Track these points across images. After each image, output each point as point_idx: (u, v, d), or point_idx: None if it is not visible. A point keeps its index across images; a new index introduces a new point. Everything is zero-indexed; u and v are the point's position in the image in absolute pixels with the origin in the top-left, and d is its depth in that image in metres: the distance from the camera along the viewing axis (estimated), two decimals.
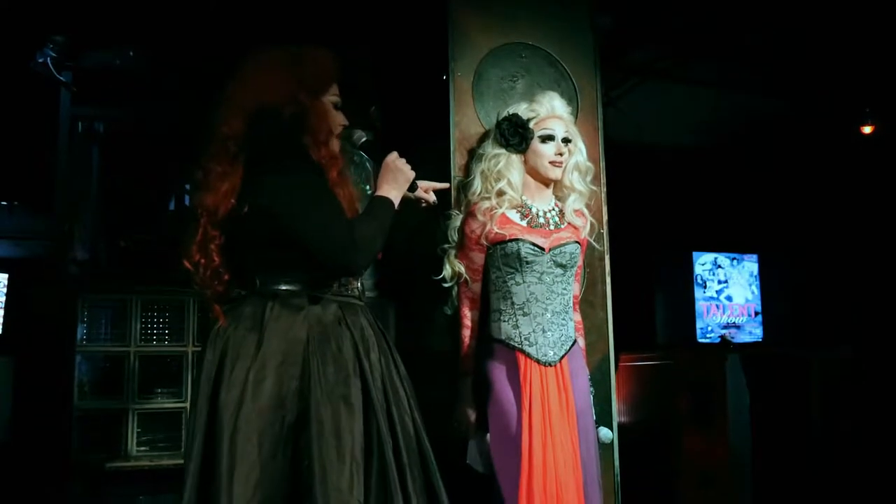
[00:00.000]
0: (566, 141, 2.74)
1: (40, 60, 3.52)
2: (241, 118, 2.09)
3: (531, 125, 2.74)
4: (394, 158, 2.27)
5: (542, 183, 2.77)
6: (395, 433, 2.04)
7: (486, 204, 2.72)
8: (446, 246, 2.82)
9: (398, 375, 2.18)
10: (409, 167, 2.26)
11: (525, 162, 2.76)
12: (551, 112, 2.74)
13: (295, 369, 1.99)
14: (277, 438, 1.94)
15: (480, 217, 2.71)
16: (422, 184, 2.42)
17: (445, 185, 2.61)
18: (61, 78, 3.67)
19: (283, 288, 2.06)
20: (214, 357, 2.02)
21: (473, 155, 2.93)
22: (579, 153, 2.78)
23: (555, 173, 2.73)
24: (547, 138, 2.72)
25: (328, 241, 2.00)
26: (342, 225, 2.02)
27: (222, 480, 1.87)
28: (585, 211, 2.85)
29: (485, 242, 2.71)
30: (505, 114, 2.80)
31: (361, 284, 2.24)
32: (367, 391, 2.04)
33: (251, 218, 2.02)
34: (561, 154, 2.72)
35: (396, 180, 2.25)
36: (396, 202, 2.22)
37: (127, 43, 3.86)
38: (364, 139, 2.34)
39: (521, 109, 2.79)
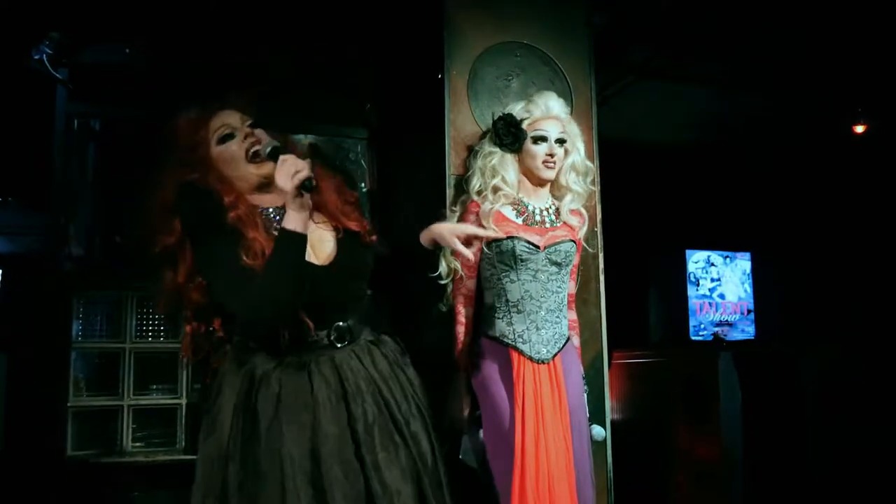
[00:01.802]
0: (560, 142, 2.75)
1: (36, 57, 3.52)
2: (170, 193, 2.14)
3: (525, 125, 2.76)
4: (276, 175, 2.01)
5: (538, 183, 2.79)
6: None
7: (485, 204, 2.74)
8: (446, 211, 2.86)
9: (390, 421, 2.12)
10: (286, 174, 1.97)
11: (520, 161, 2.78)
12: (546, 113, 2.76)
13: (218, 434, 2.05)
14: None
15: (476, 215, 2.74)
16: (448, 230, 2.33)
17: (488, 234, 2.53)
18: (57, 75, 3.66)
19: (236, 342, 2.15)
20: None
21: (471, 152, 2.95)
22: (577, 153, 2.79)
23: (547, 174, 2.75)
24: (539, 139, 2.74)
25: (236, 307, 2.04)
26: (240, 302, 2.02)
27: None
28: (583, 211, 2.87)
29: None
30: (500, 113, 2.83)
31: (338, 331, 2.15)
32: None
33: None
34: (552, 155, 2.73)
35: (286, 200, 2.00)
36: (297, 226, 1.98)
37: (124, 40, 3.86)
38: (270, 147, 2.11)
39: (517, 110, 2.81)
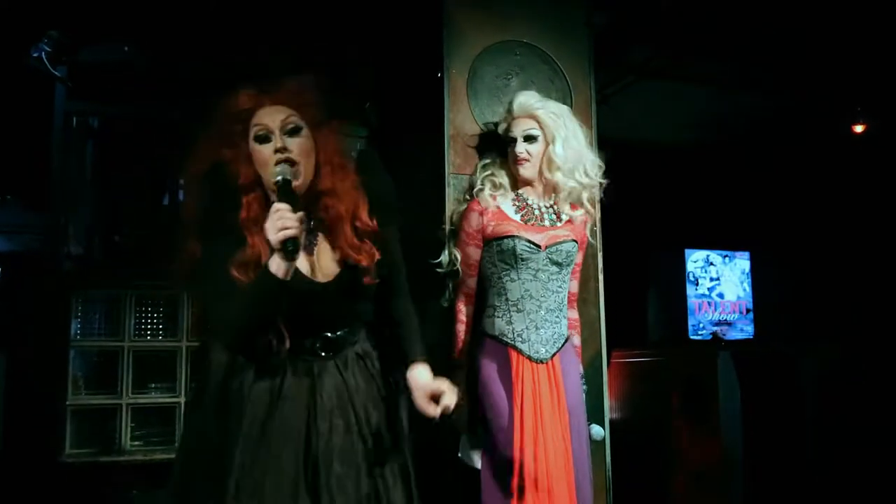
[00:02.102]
0: (529, 139, 2.74)
1: (35, 55, 3.52)
2: (202, 164, 2.10)
3: (503, 129, 2.81)
4: (271, 212, 1.92)
5: (524, 182, 2.79)
6: None
7: (486, 201, 2.75)
8: (447, 228, 2.86)
9: (350, 447, 2.07)
10: (273, 228, 1.88)
11: (509, 164, 2.81)
12: (516, 112, 2.79)
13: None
14: None
15: (478, 213, 2.74)
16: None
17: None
18: (56, 73, 3.66)
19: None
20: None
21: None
22: (556, 148, 2.73)
23: (523, 172, 2.75)
24: (511, 140, 2.76)
25: (209, 320, 2.09)
26: (214, 310, 2.06)
27: None
28: (586, 204, 2.85)
29: (481, 238, 2.73)
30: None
31: (323, 341, 2.11)
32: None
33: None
34: (518, 154, 2.74)
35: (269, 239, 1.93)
36: (279, 271, 1.90)
37: (122, 38, 3.85)
38: (276, 180, 1.98)
39: (501, 115, 2.88)
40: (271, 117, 2.05)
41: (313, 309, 2.06)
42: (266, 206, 1.98)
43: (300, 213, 1.92)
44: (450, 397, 2.06)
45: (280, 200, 1.92)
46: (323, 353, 2.09)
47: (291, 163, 2.02)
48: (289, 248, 1.87)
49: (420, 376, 2.12)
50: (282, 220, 1.87)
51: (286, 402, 2.02)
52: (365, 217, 2.13)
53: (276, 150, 2.02)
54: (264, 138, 2.04)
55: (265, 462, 1.96)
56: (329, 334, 2.10)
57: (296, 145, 2.05)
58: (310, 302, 2.04)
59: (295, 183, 2.02)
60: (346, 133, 2.27)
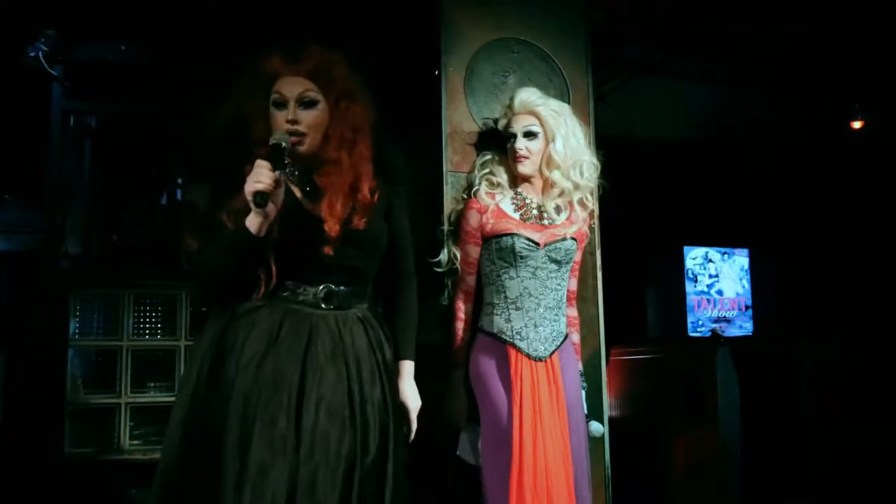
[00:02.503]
0: (529, 135, 2.74)
1: (32, 54, 3.52)
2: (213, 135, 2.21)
3: (503, 125, 2.80)
4: (252, 168, 2.05)
5: (522, 179, 2.79)
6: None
7: (485, 198, 2.75)
8: (445, 229, 2.86)
9: (346, 401, 2.10)
10: (249, 181, 2.01)
11: (507, 160, 2.80)
12: (516, 108, 2.78)
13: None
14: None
15: (477, 211, 2.74)
16: None
17: None
18: (53, 72, 3.66)
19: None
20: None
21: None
22: (556, 146, 2.73)
23: (522, 169, 2.74)
24: (510, 136, 2.75)
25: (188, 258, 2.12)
26: (194, 257, 2.11)
27: None
28: (578, 208, 2.84)
29: (480, 236, 2.73)
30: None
31: (325, 291, 2.16)
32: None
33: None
34: (517, 150, 2.73)
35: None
36: (251, 226, 2.03)
37: (119, 37, 3.85)
38: (273, 142, 2.06)
39: (501, 110, 2.86)
40: (290, 88, 2.17)
41: (318, 252, 2.13)
42: None
43: (277, 173, 2.02)
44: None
45: (267, 159, 2.02)
46: (323, 305, 2.15)
47: (298, 134, 2.15)
48: (257, 201, 1.99)
49: (410, 392, 2.33)
50: (257, 174, 1.99)
51: (281, 349, 2.07)
52: (366, 191, 2.22)
53: (288, 121, 2.15)
54: (281, 105, 2.17)
55: (255, 411, 1.99)
56: (332, 286, 2.16)
57: (308, 118, 2.17)
58: (314, 242, 2.12)
59: (300, 148, 2.15)
60: (372, 110, 2.32)
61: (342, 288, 2.18)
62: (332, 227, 2.12)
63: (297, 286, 2.14)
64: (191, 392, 2.07)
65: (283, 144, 2.05)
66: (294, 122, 2.15)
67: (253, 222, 2.03)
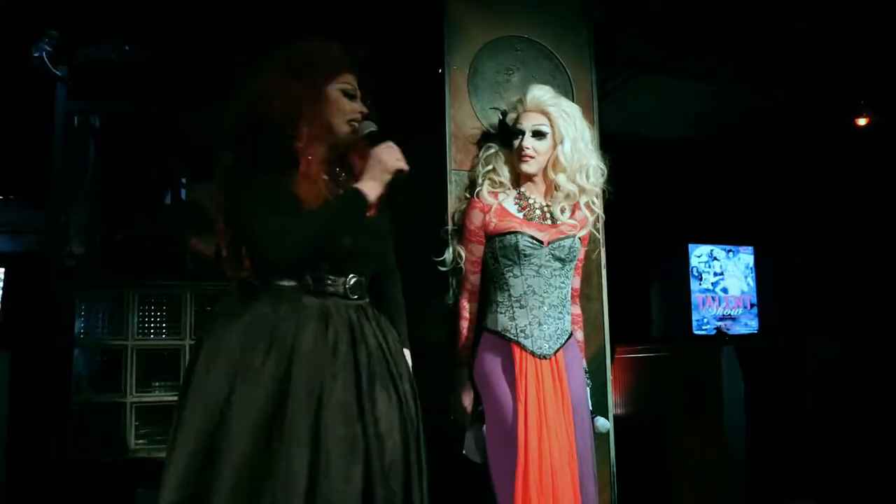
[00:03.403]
0: (537, 134, 2.72)
1: (36, 55, 3.52)
2: (234, 117, 2.17)
3: (512, 120, 2.78)
4: (381, 149, 2.23)
5: (525, 178, 2.78)
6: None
7: (487, 198, 2.75)
8: (449, 228, 2.86)
9: (388, 375, 2.17)
10: (393, 157, 2.21)
11: (512, 156, 2.79)
12: (527, 105, 2.75)
13: (211, 370, 2.06)
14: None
15: (480, 210, 2.74)
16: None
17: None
18: (57, 72, 3.67)
19: (241, 281, 2.16)
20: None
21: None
22: (564, 148, 2.72)
23: (525, 168, 2.73)
24: (518, 133, 2.73)
25: (258, 236, 2.06)
26: (273, 222, 2.04)
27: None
28: (585, 211, 2.83)
29: (484, 235, 2.73)
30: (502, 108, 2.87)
31: (356, 282, 2.20)
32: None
33: (232, 215, 2.14)
34: (524, 149, 2.71)
35: (374, 170, 2.20)
36: (371, 192, 2.17)
37: (123, 37, 3.85)
38: (370, 130, 2.28)
39: (510, 104, 2.83)
40: (355, 83, 2.30)
41: (356, 244, 2.20)
42: (325, 144, 2.20)
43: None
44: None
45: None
46: (351, 296, 2.19)
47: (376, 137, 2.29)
48: (402, 177, 2.22)
49: None
50: (398, 153, 2.22)
51: (329, 347, 2.09)
52: None
53: (362, 112, 2.28)
54: (352, 96, 2.28)
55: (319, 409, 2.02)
56: (358, 276, 2.22)
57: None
58: (354, 231, 2.19)
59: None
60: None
61: (363, 278, 2.24)
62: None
63: (329, 276, 2.17)
64: (259, 378, 2.03)
65: (378, 132, 2.27)
66: (364, 114, 2.29)
67: (374, 190, 2.17)
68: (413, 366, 2.38)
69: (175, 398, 3.67)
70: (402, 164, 2.21)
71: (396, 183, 2.21)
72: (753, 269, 6.42)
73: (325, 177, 2.18)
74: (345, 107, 2.26)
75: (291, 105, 2.16)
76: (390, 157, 2.20)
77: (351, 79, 2.28)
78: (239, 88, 2.20)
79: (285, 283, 2.13)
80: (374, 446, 2.04)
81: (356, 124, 2.27)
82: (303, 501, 1.93)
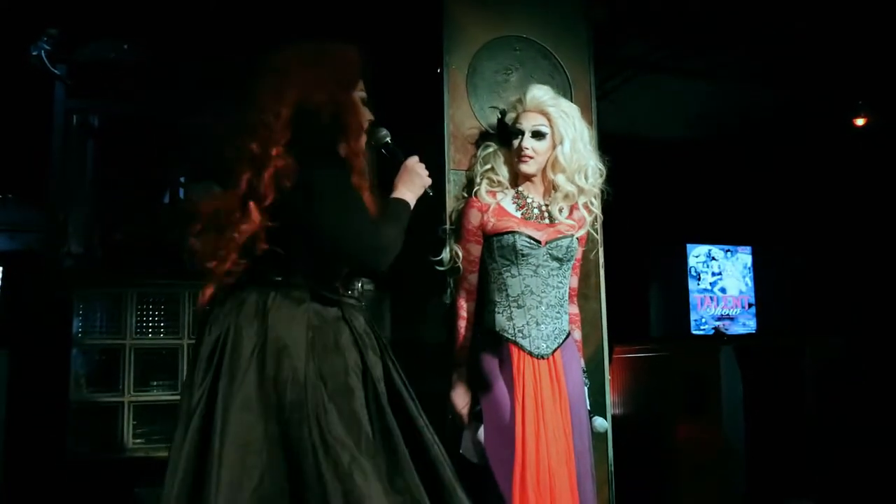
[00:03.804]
0: (537, 135, 2.72)
1: (35, 53, 3.51)
2: (286, 108, 2.07)
3: (511, 119, 2.78)
4: (414, 162, 2.28)
5: (524, 178, 2.78)
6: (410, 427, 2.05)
7: (485, 197, 2.75)
8: (447, 228, 2.85)
9: (399, 378, 2.15)
10: (426, 172, 2.28)
11: (511, 155, 2.79)
12: (527, 105, 2.75)
13: (294, 359, 1.97)
14: (272, 425, 1.94)
15: (478, 209, 2.74)
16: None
17: None
18: (56, 71, 3.66)
19: (287, 280, 2.06)
20: (212, 340, 2.02)
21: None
22: (563, 148, 2.72)
23: (524, 168, 2.73)
24: (518, 133, 2.73)
25: (356, 241, 2.01)
26: (369, 226, 2.02)
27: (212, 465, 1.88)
28: (583, 210, 2.83)
29: (481, 234, 2.73)
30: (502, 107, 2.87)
31: (361, 286, 2.22)
32: (367, 386, 2.04)
33: (277, 208, 2.02)
34: (523, 149, 2.71)
35: (413, 182, 2.25)
36: (412, 204, 2.22)
37: (122, 36, 3.85)
38: (387, 138, 2.32)
39: (509, 104, 2.83)
40: (363, 90, 2.28)
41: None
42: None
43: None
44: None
45: (391, 154, 2.31)
46: (361, 303, 2.21)
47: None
48: (430, 193, 2.30)
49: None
50: (423, 168, 2.28)
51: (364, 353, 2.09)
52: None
53: (371, 121, 2.27)
54: (365, 103, 2.26)
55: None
56: (360, 284, 2.23)
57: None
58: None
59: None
60: None
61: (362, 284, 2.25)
62: None
63: (348, 283, 2.17)
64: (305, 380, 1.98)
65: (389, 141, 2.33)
66: (373, 122, 2.29)
67: (413, 202, 2.22)
68: (410, 365, 2.37)
69: (173, 397, 3.68)
70: (429, 180, 2.28)
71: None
72: (751, 269, 6.43)
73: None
74: (364, 114, 2.25)
75: (338, 111, 2.12)
76: (424, 171, 2.27)
77: (362, 85, 2.27)
78: (281, 74, 2.13)
79: (315, 287, 2.08)
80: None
81: (371, 131, 2.28)
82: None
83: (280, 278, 2.05)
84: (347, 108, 2.14)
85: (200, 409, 1.94)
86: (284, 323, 2.00)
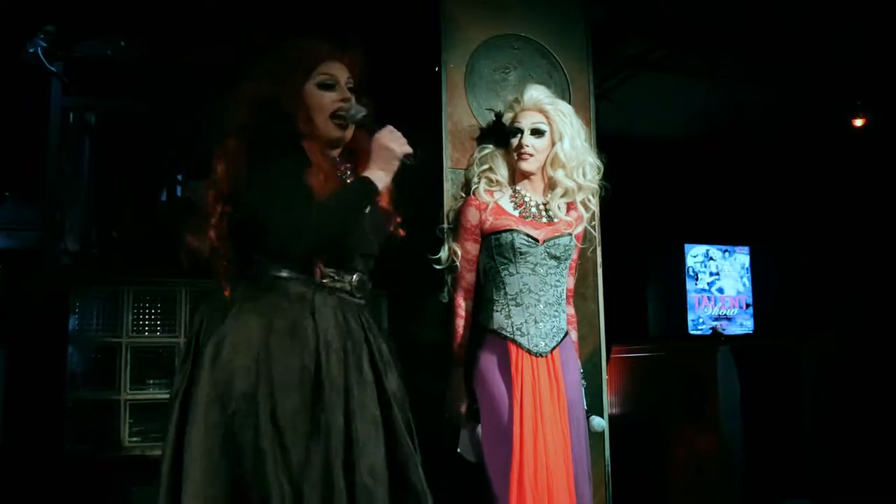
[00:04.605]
0: (536, 132, 2.73)
1: (31, 51, 3.51)
2: (242, 104, 2.17)
3: (509, 119, 2.79)
4: (383, 134, 2.18)
5: (523, 175, 2.79)
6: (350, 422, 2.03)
7: (483, 196, 2.75)
8: (445, 226, 2.85)
9: (374, 370, 2.16)
10: (399, 142, 2.17)
11: (509, 155, 2.79)
12: (525, 104, 2.77)
13: (242, 355, 2.02)
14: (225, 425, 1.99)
15: (476, 208, 2.73)
16: None
17: None
18: (52, 68, 3.66)
19: (249, 270, 2.13)
20: (192, 332, 2.11)
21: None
22: (563, 145, 2.74)
23: (524, 166, 2.74)
24: (516, 131, 2.74)
25: (273, 228, 2.04)
26: (291, 210, 2.02)
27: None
28: (580, 207, 2.84)
29: (479, 233, 2.73)
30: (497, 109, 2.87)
31: (359, 280, 2.21)
32: (321, 382, 2.05)
33: (234, 198, 2.12)
34: (522, 147, 2.72)
35: (381, 157, 2.16)
36: (381, 181, 2.15)
37: (118, 33, 3.84)
38: (360, 114, 2.23)
39: (506, 104, 2.84)
40: (339, 71, 2.26)
41: (352, 238, 2.18)
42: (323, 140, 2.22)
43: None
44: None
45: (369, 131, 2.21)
46: (356, 294, 2.20)
47: (370, 120, 2.25)
48: (411, 161, 2.17)
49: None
50: (399, 137, 2.16)
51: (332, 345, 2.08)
52: None
53: (342, 100, 2.23)
54: (329, 87, 2.23)
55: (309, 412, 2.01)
56: (363, 275, 2.23)
57: (352, 100, 2.26)
58: (352, 227, 2.17)
59: (348, 133, 2.27)
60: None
61: (365, 277, 2.24)
62: (369, 216, 2.22)
63: (335, 272, 2.16)
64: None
65: (369, 115, 2.23)
66: (347, 99, 2.23)
67: (382, 180, 2.14)
68: (408, 364, 2.37)
69: (169, 395, 3.66)
70: (408, 148, 2.17)
71: (405, 169, 2.18)
72: (749, 269, 6.42)
73: (338, 170, 2.20)
74: (323, 100, 2.23)
75: (288, 100, 2.18)
76: (395, 142, 2.16)
77: (330, 68, 2.25)
78: (246, 78, 2.22)
79: (286, 275, 2.10)
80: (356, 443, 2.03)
81: (343, 112, 2.23)
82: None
83: (245, 267, 2.13)
84: (296, 96, 2.20)
85: (179, 399, 2.04)
86: (244, 315, 2.05)
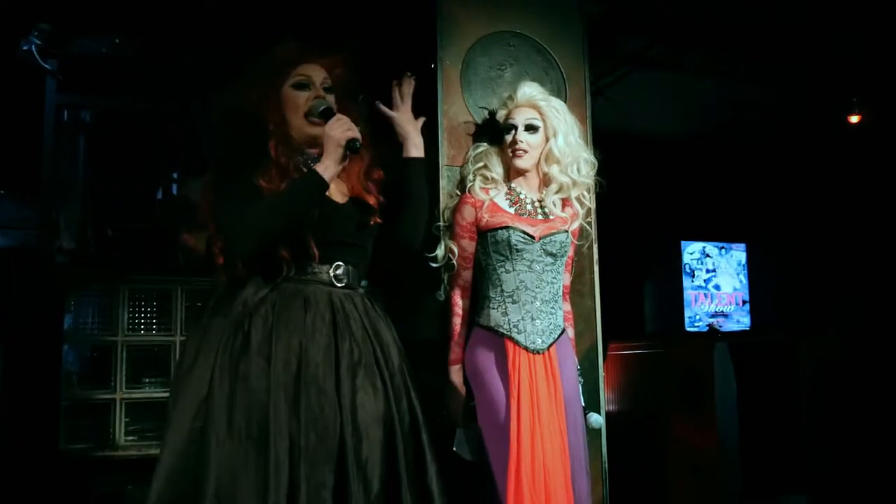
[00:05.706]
0: (530, 128, 2.73)
1: (25, 48, 3.50)
2: (218, 109, 2.30)
3: (503, 116, 2.78)
4: (329, 124, 2.22)
5: (518, 172, 2.78)
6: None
7: (479, 193, 2.74)
8: (441, 224, 2.85)
9: (374, 366, 2.21)
10: (341, 129, 2.20)
11: (503, 153, 2.79)
12: (518, 101, 2.77)
13: (205, 355, 2.09)
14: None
15: (472, 206, 2.73)
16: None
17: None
18: (47, 66, 3.64)
19: (229, 269, 2.20)
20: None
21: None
22: (557, 141, 2.74)
23: (519, 162, 2.74)
24: (510, 128, 2.74)
25: (221, 230, 2.14)
26: (235, 212, 2.09)
27: None
28: (574, 203, 2.84)
29: (475, 230, 2.72)
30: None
31: (341, 269, 2.26)
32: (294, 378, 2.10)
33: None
34: (517, 143, 2.72)
35: (327, 147, 2.19)
36: (328, 171, 2.17)
37: (113, 31, 3.83)
38: (322, 108, 2.28)
39: (500, 101, 2.84)
40: (315, 72, 2.34)
41: (331, 226, 2.24)
42: (290, 139, 2.28)
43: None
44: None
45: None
46: (337, 284, 2.25)
47: (333, 113, 2.28)
48: (353, 147, 2.18)
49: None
50: (345, 124, 2.18)
51: (309, 330, 2.14)
52: (374, 175, 2.46)
53: (316, 96, 2.30)
54: (304, 86, 2.31)
55: (298, 393, 2.07)
56: (342, 263, 2.27)
57: (329, 99, 2.34)
58: (327, 219, 2.22)
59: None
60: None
61: (349, 266, 2.28)
62: (349, 207, 2.30)
63: (310, 264, 2.21)
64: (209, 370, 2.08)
65: (332, 107, 2.29)
66: (320, 97, 2.30)
67: (329, 170, 2.17)
68: None
69: (165, 394, 3.67)
70: (353, 134, 2.18)
71: (368, 156, 2.27)
72: (746, 266, 6.43)
73: (302, 169, 2.23)
74: (298, 99, 2.30)
75: (257, 103, 2.25)
76: (338, 129, 2.18)
77: (306, 69, 2.32)
78: (215, 100, 2.31)
79: (267, 273, 2.17)
80: (350, 438, 2.07)
81: (312, 112, 2.30)
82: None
83: (226, 268, 2.20)
84: (270, 98, 2.28)
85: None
86: (214, 314, 2.15)
